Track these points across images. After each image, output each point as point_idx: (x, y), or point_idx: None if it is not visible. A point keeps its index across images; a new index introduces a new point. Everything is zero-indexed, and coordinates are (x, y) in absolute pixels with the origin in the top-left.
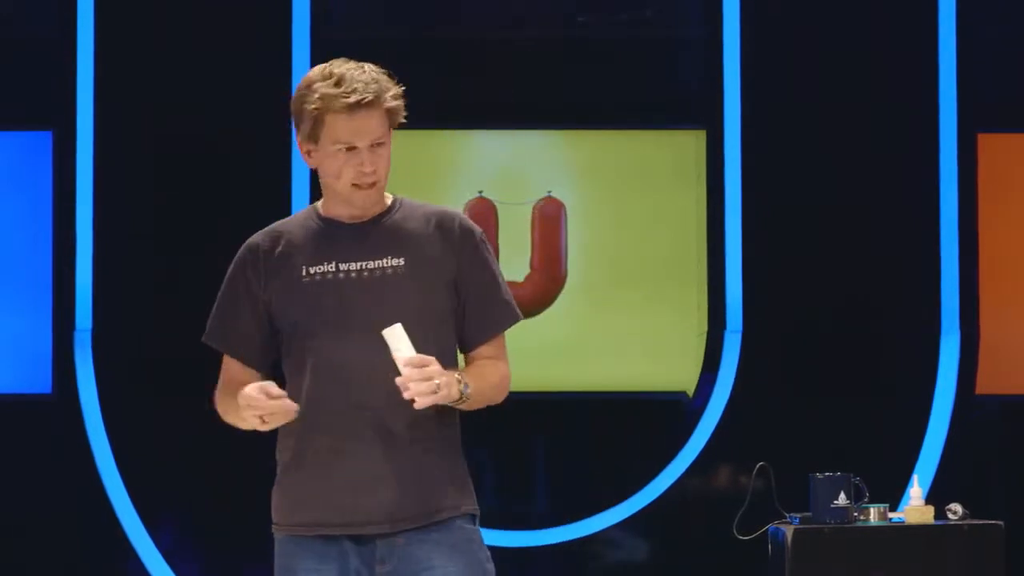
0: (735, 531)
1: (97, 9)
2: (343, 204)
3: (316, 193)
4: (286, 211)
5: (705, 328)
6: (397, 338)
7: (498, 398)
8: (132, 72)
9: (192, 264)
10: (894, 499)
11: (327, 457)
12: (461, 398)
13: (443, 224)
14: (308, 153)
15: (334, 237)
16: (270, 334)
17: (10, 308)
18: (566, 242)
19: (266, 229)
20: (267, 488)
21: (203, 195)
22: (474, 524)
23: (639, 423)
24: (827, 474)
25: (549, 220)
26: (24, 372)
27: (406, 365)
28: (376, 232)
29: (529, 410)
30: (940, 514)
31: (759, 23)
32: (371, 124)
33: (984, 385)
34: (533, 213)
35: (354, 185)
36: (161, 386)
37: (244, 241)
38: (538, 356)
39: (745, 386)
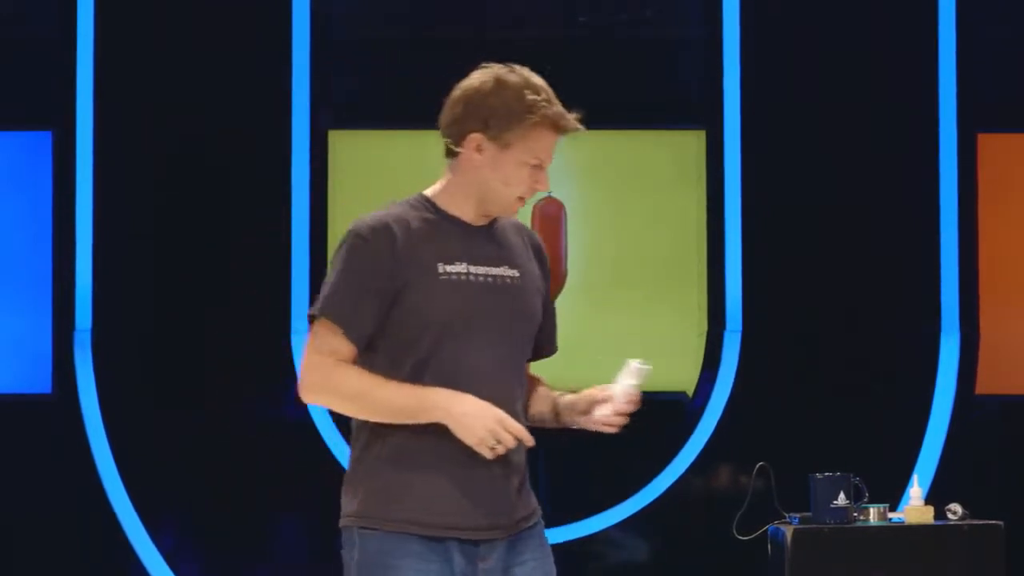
0: (735, 531)
1: (97, 9)
2: (476, 206)
3: (316, 193)
4: (286, 211)
5: (705, 328)
6: (639, 374)
7: None
8: (132, 72)
9: (192, 264)
10: (894, 499)
11: (446, 458)
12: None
13: (533, 240)
14: (479, 148)
15: (461, 237)
16: (384, 318)
17: (10, 308)
18: (566, 242)
19: (386, 215)
20: (267, 488)
21: (203, 195)
22: None
23: (639, 423)
24: (827, 474)
25: (549, 220)
26: (24, 372)
27: (629, 401)
28: (493, 239)
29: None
30: (940, 514)
31: (759, 23)
32: (555, 146)
33: (984, 385)
34: (533, 213)
35: (520, 198)
36: (161, 386)
37: (244, 242)
38: None
39: (745, 386)
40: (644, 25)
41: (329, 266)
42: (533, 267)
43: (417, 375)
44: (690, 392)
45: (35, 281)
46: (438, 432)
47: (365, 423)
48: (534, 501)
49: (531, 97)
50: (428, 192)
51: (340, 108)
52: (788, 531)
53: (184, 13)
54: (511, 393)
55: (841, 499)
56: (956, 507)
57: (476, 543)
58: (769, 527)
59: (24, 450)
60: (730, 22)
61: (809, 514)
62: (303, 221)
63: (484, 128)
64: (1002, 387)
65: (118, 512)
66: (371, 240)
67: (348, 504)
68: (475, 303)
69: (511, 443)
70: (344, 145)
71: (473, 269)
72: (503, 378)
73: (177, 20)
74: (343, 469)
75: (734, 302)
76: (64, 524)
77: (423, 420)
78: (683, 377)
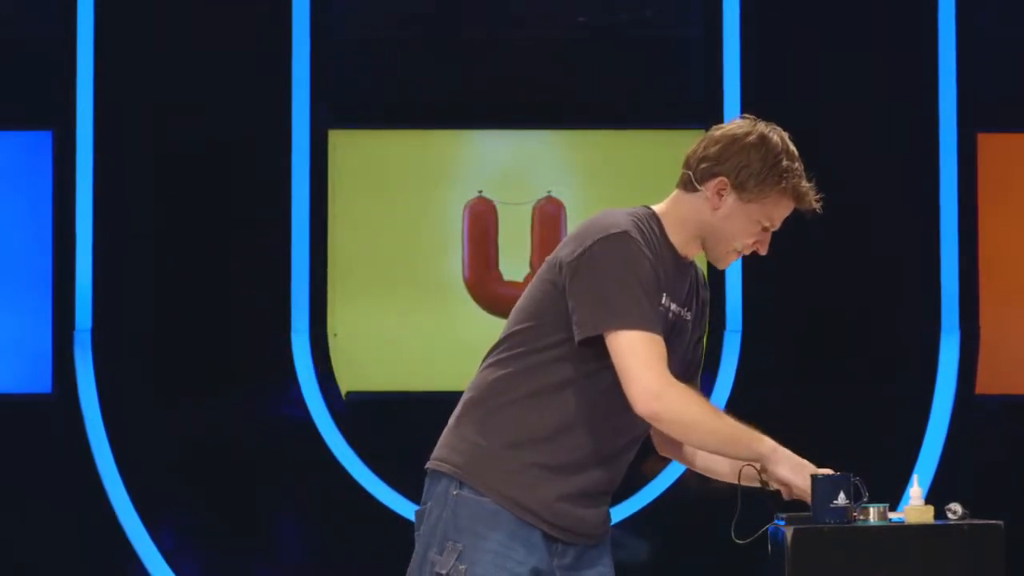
0: (733, 536)
1: (97, 9)
2: (691, 243)
3: (316, 193)
4: (286, 210)
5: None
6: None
7: None
8: (132, 72)
9: (192, 264)
10: (894, 499)
11: (573, 458)
12: None
13: (700, 278)
14: (721, 193)
15: (671, 269)
16: None
17: (10, 308)
18: None
19: (638, 225)
20: (267, 488)
21: (203, 195)
22: None
23: None
24: (827, 474)
25: (549, 220)
26: (24, 372)
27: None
28: (686, 278)
29: None
30: (940, 514)
31: (759, 23)
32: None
33: (984, 385)
34: (533, 213)
35: (737, 252)
36: (161, 386)
37: (244, 242)
38: None
39: (745, 386)
40: (644, 25)
41: (588, 272)
42: (701, 310)
43: (597, 376)
44: None
45: (35, 281)
46: (576, 434)
47: (509, 390)
48: (609, 520)
49: (786, 163)
50: (657, 210)
51: (340, 107)
52: (788, 531)
53: (184, 13)
54: (647, 426)
55: (841, 499)
56: (956, 507)
57: (555, 539)
58: (768, 527)
59: (24, 450)
60: (730, 22)
61: (804, 514)
62: (303, 221)
63: (734, 177)
64: (1002, 387)
65: (118, 512)
66: (641, 242)
67: (454, 453)
68: (671, 339)
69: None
70: (344, 144)
71: (673, 306)
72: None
73: (177, 20)
74: (342, 470)
75: (734, 302)
76: (64, 524)
77: (740, 455)
78: None
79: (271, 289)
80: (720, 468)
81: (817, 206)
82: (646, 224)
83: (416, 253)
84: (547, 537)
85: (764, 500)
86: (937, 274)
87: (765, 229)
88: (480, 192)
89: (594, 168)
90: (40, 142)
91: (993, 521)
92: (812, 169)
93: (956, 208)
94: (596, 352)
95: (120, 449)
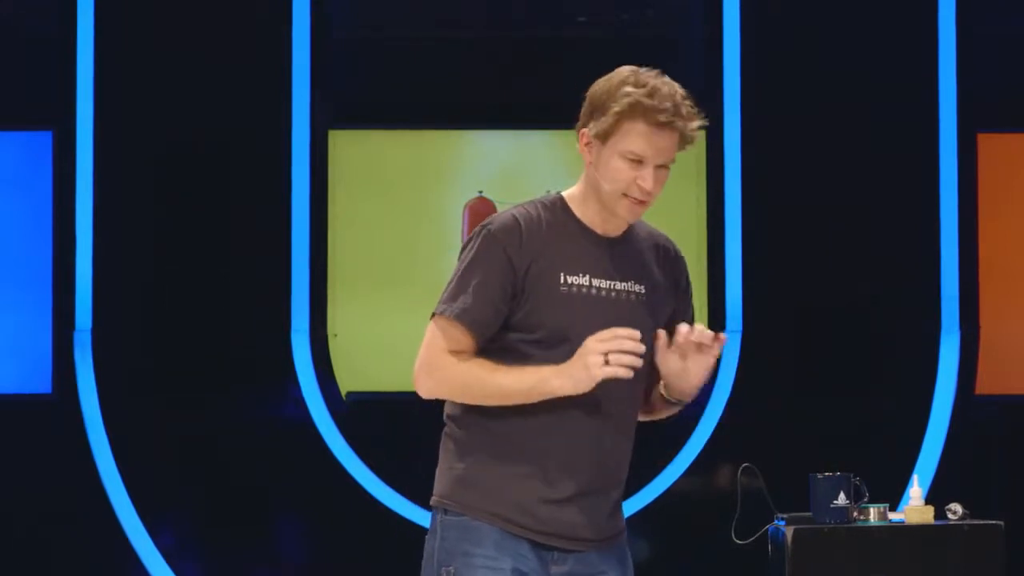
0: (733, 536)
1: (97, 9)
2: (602, 211)
3: (317, 193)
4: (286, 211)
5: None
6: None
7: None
8: (132, 72)
9: (192, 265)
10: (894, 499)
11: (544, 463)
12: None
13: (668, 253)
14: (588, 145)
15: (589, 247)
16: (507, 317)
17: (10, 308)
18: None
19: (517, 213)
20: (267, 488)
21: (203, 195)
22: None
23: (638, 423)
24: (827, 474)
25: None
26: (24, 372)
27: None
28: (623, 250)
29: None
30: (940, 514)
31: (759, 23)
32: (665, 144)
33: (984, 385)
34: None
35: (624, 195)
36: (161, 387)
37: (244, 242)
38: None
39: (745, 386)
40: (644, 25)
41: (457, 263)
42: (661, 283)
43: None
44: None
45: (35, 281)
46: (545, 434)
47: (472, 409)
48: (622, 522)
49: (629, 90)
50: (566, 194)
51: (340, 108)
52: (788, 531)
53: (184, 13)
54: (631, 410)
55: (841, 499)
56: (956, 507)
57: (550, 547)
58: (769, 527)
59: (24, 450)
60: (730, 22)
61: (804, 514)
62: (303, 220)
63: (589, 124)
64: (1002, 387)
65: (118, 512)
66: (500, 238)
67: (438, 484)
68: (593, 317)
69: (630, 344)
70: (344, 145)
71: (596, 282)
72: (622, 394)
73: (177, 20)
74: (342, 470)
75: (734, 302)
76: (64, 524)
77: (536, 396)
78: None
79: (271, 289)
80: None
81: (665, 117)
82: (541, 211)
83: (416, 253)
84: (539, 546)
85: (765, 501)
86: (937, 274)
87: (636, 162)
88: (480, 192)
89: None
90: (40, 142)
91: (993, 521)
92: (812, 169)
93: (956, 208)
94: (521, 344)
95: (120, 449)
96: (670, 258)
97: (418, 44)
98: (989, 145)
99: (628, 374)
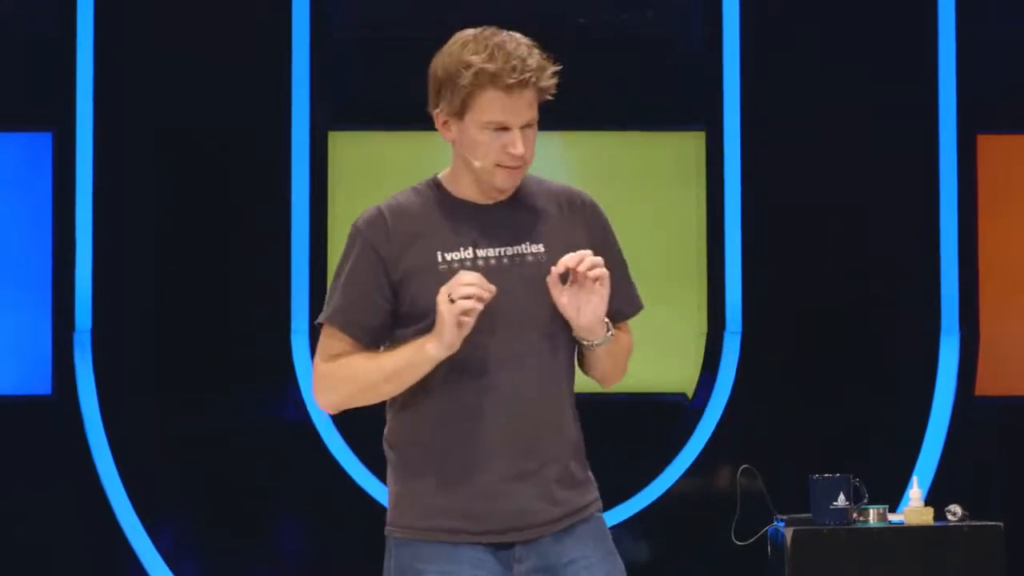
0: (733, 537)
1: (97, 9)
2: (477, 184)
3: (316, 194)
4: (286, 212)
5: (705, 328)
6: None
7: (621, 366)
8: (132, 72)
9: (192, 265)
10: (894, 500)
11: (465, 459)
12: (602, 339)
13: (573, 204)
14: (445, 124)
15: (468, 220)
16: (391, 316)
17: (10, 309)
18: None
19: (384, 204)
20: (266, 489)
21: (203, 196)
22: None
23: (639, 423)
24: (826, 475)
25: None
26: (24, 373)
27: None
28: (511, 214)
29: None
30: (940, 515)
31: (759, 24)
32: (525, 104)
33: (983, 386)
34: None
35: (499, 166)
36: (160, 388)
37: (244, 243)
38: None
39: (745, 386)
40: (644, 26)
41: None
42: (569, 238)
43: (437, 370)
44: (690, 393)
45: (35, 282)
46: (455, 430)
47: (392, 430)
48: (586, 496)
49: (470, 59)
50: (440, 175)
51: (340, 109)
52: (788, 532)
53: (184, 13)
54: (546, 378)
55: (841, 500)
56: (956, 508)
57: (509, 545)
58: (768, 529)
59: (24, 451)
60: (730, 23)
61: (804, 515)
62: (303, 222)
63: (439, 102)
64: (1002, 388)
65: (118, 513)
66: (365, 232)
67: (388, 510)
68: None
69: (473, 291)
70: (344, 146)
71: (482, 252)
72: (532, 364)
73: (177, 21)
74: (342, 470)
75: (734, 302)
76: (64, 525)
77: (423, 369)
78: (683, 378)
79: (271, 290)
80: (596, 363)
81: (515, 77)
82: (412, 196)
83: None
84: (496, 546)
85: (764, 502)
86: (937, 275)
87: (501, 130)
88: None
89: (594, 170)
90: (40, 143)
91: (993, 522)
92: (812, 170)
93: (956, 209)
94: (413, 336)
95: (120, 450)
96: (575, 209)
97: (418, 45)
98: (989, 146)
99: (475, 306)
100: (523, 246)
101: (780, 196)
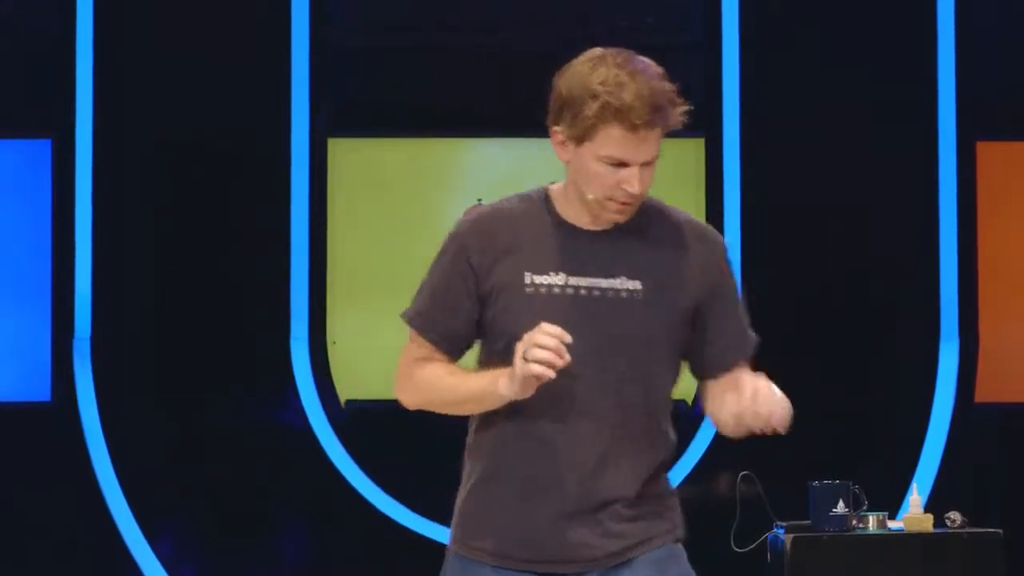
0: (732, 544)
1: (96, 17)
2: (587, 209)
3: (316, 201)
4: (285, 219)
5: None
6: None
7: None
8: (131, 80)
9: (191, 272)
10: (893, 507)
11: (525, 488)
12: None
13: (694, 241)
14: (562, 144)
15: (567, 243)
16: (474, 325)
17: (9, 316)
18: None
19: (488, 209)
20: (265, 496)
21: (202, 203)
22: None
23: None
24: (826, 482)
25: None
26: (23, 380)
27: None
28: (616, 244)
29: None
30: (939, 522)
31: (758, 29)
32: (649, 142)
33: (983, 393)
34: None
35: (611, 200)
36: (160, 394)
37: (243, 250)
38: None
39: None
40: (643, 32)
41: None
42: (680, 273)
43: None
44: (689, 400)
45: (34, 289)
46: (514, 461)
47: (469, 442)
48: (652, 528)
49: (597, 90)
50: (552, 187)
51: (339, 115)
52: (787, 539)
53: (183, 22)
54: (621, 419)
55: (840, 507)
56: (955, 515)
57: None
58: (768, 535)
59: (23, 458)
60: (729, 28)
61: (804, 522)
62: (302, 228)
63: (559, 123)
64: (1001, 395)
65: (117, 520)
66: (462, 236)
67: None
68: (565, 319)
69: (547, 355)
70: (343, 152)
71: (573, 280)
72: (608, 405)
73: (176, 29)
74: (342, 476)
75: None
76: (63, 532)
77: (494, 403)
78: (682, 384)
79: (270, 297)
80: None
81: (643, 118)
82: (517, 204)
83: (415, 261)
84: (536, 575)
85: (764, 508)
86: (936, 282)
87: (619, 164)
88: (479, 200)
89: None
90: (39, 150)
91: (992, 529)
92: (812, 177)
93: (956, 216)
94: (493, 351)
95: (119, 457)
96: (695, 246)
97: (418, 52)
98: (988, 153)
99: (546, 373)
100: (619, 280)
101: (779, 204)
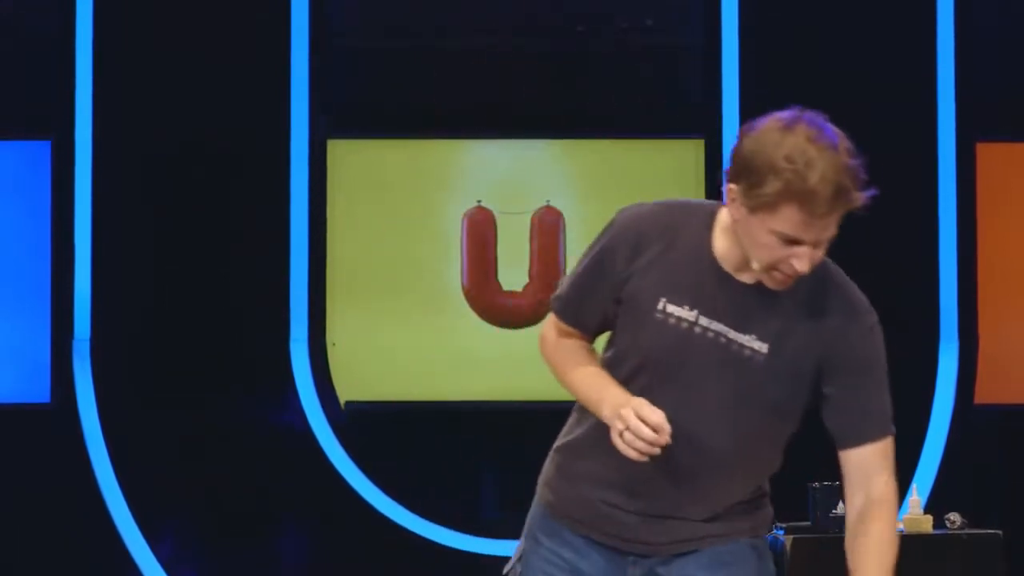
0: None
1: (96, 19)
2: (743, 262)
3: (316, 202)
4: (285, 220)
5: None
6: None
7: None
8: (131, 82)
9: (191, 274)
10: None
11: (627, 476)
12: None
13: (843, 316)
14: (734, 202)
15: (711, 282)
16: (610, 319)
17: (9, 318)
18: (565, 251)
19: (652, 214)
20: (265, 497)
21: (202, 205)
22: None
23: None
24: (826, 483)
25: (548, 229)
26: (23, 382)
27: None
28: (760, 299)
29: (530, 419)
30: (939, 523)
31: (758, 32)
32: (827, 225)
33: (983, 395)
34: (532, 222)
35: (775, 270)
36: (159, 396)
37: (243, 251)
38: (537, 366)
39: None
40: (643, 34)
41: None
42: (814, 346)
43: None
44: None
45: (34, 290)
46: (608, 459)
47: (570, 423)
48: (729, 526)
49: (783, 164)
50: (720, 220)
51: (339, 117)
52: (787, 540)
53: (184, 24)
54: (712, 473)
55: (840, 508)
56: (955, 516)
57: (624, 552)
58: (768, 536)
59: (23, 459)
60: (729, 30)
61: (804, 523)
62: (302, 230)
63: (737, 182)
64: (1001, 396)
65: (116, 521)
66: (618, 234)
67: (544, 469)
68: (684, 357)
69: (645, 434)
70: (343, 154)
71: (704, 321)
72: (709, 455)
73: (177, 31)
74: (341, 477)
75: None
76: (63, 533)
77: (592, 410)
78: None
79: (270, 299)
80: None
81: (825, 207)
82: (681, 220)
83: (415, 262)
84: (609, 549)
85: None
86: (936, 284)
87: (792, 242)
88: (479, 201)
89: (593, 177)
90: (39, 152)
91: (992, 530)
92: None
93: (955, 218)
94: (617, 352)
95: (118, 458)
96: (834, 318)
97: (418, 53)
98: (988, 155)
99: (636, 457)
100: (748, 337)
101: None
